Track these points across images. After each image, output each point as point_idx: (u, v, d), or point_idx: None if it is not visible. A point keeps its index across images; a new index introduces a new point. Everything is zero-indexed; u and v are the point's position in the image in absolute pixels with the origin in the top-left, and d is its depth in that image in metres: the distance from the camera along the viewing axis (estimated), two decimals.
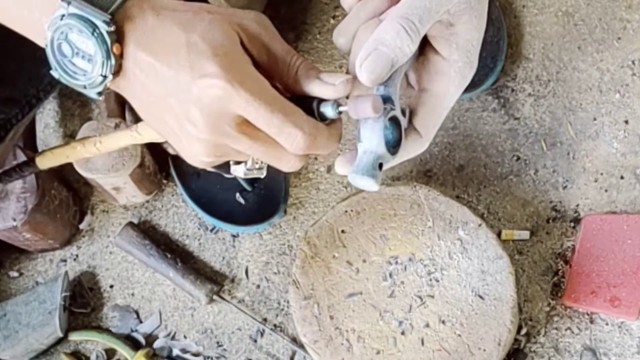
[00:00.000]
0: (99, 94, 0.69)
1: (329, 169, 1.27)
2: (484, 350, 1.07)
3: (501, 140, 1.25)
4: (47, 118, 1.33)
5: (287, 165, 0.71)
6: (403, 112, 0.76)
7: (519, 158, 1.24)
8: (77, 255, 1.26)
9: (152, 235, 1.25)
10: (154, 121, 0.72)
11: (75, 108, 1.33)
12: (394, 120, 0.74)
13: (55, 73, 0.69)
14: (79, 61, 0.68)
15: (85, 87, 0.68)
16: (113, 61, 0.66)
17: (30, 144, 1.26)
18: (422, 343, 1.09)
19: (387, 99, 0.72)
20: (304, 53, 1.33)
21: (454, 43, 0.72)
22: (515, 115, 1.26)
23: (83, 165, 1.15)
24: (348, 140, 1.21)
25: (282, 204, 1.23)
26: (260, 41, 0.70)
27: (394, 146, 0.75)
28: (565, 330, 1.15)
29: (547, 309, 1.17)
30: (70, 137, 1.31)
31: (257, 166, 0.75)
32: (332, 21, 1.34)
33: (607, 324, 1.15)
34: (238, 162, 0.76)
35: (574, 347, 1.14)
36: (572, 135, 1.24)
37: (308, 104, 0.71)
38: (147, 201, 1.27)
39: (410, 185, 1.16)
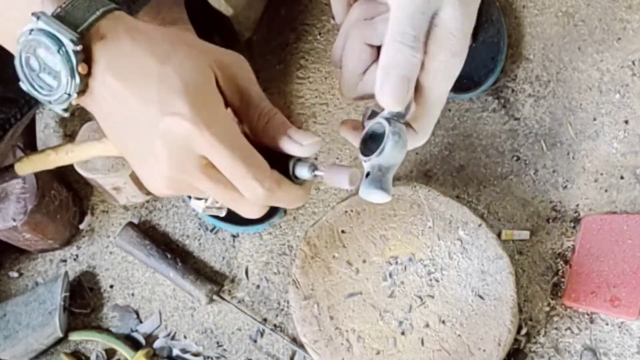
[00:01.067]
0: (65, 110, 0.68)
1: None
2: (484, 350, 1.07)
3: (501, 140, 1.26)
4: (47, 118, 1.33)
5: (245, 211, 0.70)
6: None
7: (519, 158, 1.24)
8: (77, 255, 1.26)
9: (152, 235, 1.25)
10: (119, 144, 0.71)
11: (75, 109, 1.33)
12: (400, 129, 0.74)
13: (23, 85, 0.68)
14: (46, 77, 0.67)
15: (50, 102, 0.68)
16: (78, 80, 0.65)
17: (30, 144, 1.26)
18: (422, 343, 1.09)
19: (401, 115, 0.72)
20: (304, 54, 1.33)
21: (433, 36, 0.71)
22: (516, 116, 1.26)
23: (83, 165, 1.15)
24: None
25: None
26: (235, 83, 0.69)
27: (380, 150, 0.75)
28: (565, 330, 1.15)
29: (547, 309, 1.17)
30: (70, 137, 1.31)
31: (217, 205, 0.74)
32: (332, 22, 1.34)
33: (607, 324, 1.15)
34: (199, 198, 0.75)
35: (574, 347, 1.14)
36: (572, 135, 1.24)
37: (283, 160, 0.70)
38: (147, 201, 1.27)
39: (410, 185, 1.16)
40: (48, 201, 1.17)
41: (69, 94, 0.66)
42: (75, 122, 1.32)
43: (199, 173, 0.66)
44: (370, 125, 0.73)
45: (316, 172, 0.70)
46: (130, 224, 1.24)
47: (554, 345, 1.15)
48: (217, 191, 0.68)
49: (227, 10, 1.12)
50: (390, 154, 0.71)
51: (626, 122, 1.24)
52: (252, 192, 0.67)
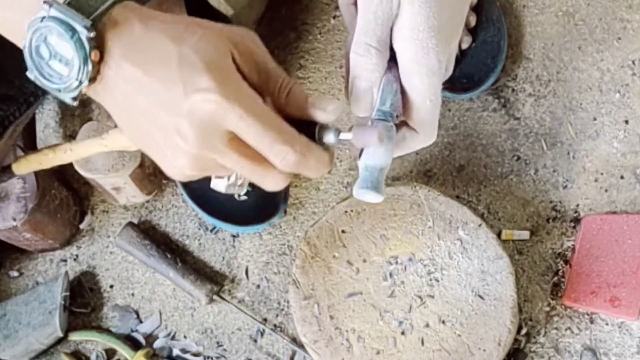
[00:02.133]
0: (74, 99, 0.68)
1: (329, 169, 1.27)
2: (484, 350, 1.07)
3: (501, 140, 1.25)
4: (47, 118, 1.33)
5: (270, 183, 0.70)
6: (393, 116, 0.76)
7: (519, 158, 1.24)
8: (77, 255, 1.26)
9: (152, 235, 1.25)
10: (134, 131, 0.71)
11: (76, 108, 1.33)
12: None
13: (31, 75, 0.68)
14: (56, 64, 0.67)
15: (60, 91, 0.68)
16: (90, 67, 0.65)
17: (30, 144, 1.26)
18: (422, 343, 1.09)
19: (391, 115, 0.73)
20: (305, 53, 1.33)
21: (399, 37, 0.73)
22: (516, 115, 1.26)
23: (83, 165, 1.15)
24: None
25: (282, 204, 1.23)
26: (252, 59, 0.69)
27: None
28: (565, 330, 1.15)
29: (547, 309, 1.17)
30: (70, 137, 1.31)
31: (239, 182, 0.75)
32: (332, 21, 1.34)
33: (607, 324, 1.15)
34: (219, 177, 0.75)
35: (574, 347, 1.14)
36: (572, 135, 1.24)
37: (308, 129, 0.70)
38: (147, 201, 1.28)
39: (410, 185, 1.16)
40: (48, 201, 1.17)
41: (81, 82, 0.66)
42: (75, 122, 1.32)
43: (226, 148, 0.67)
44: (358, 126, 0.74)
45: (342, 136, 0.71)
46: (130, 224, 1.24)
47: (554, 345, 1.15)
48: (244, 165, 0.68)
49: (227, 10, 1.12)
50: (374, 154, 0.72)
51: (626, 122, 1.24)
52: (283, 158, 0.67)
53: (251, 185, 1.23)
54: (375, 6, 0.72)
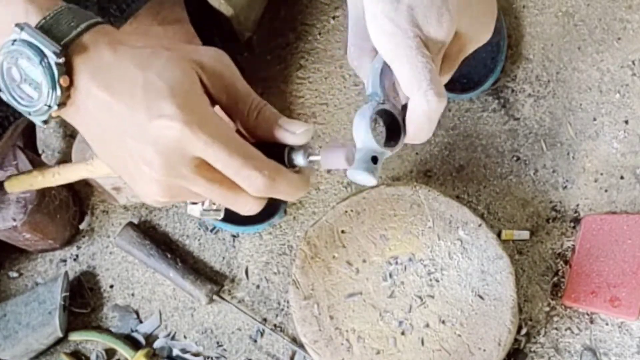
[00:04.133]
0: (44, 122, 0.68)
1: (329, 169, 1.27)
2: (484, 350, 1.07)
3: (501, 140, 1.26)
4: None
5: (244, 208, 0.70)
6: (402, 107, 0.76)
7: (519, 158, 1.24)
8: (77, 255, 1.26)
9: (152, 235, 1.25)
10: (107, 156, 0.70)
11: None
12: (386, 113, 0.74)
13: (3, 95, 0.68)
14: (27, 88, 0.67)
15: (29, 114, 0.68)
16: (59, 92, 0.65)
17: (30, 144, 1.26)
18: (422, 343, 1.09)
19: (373, 94, 0.73)
20: (305, 54, 1.33)
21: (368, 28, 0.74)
22: (515, 116, 1.26)
23: None
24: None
25: (282, 204, 1.23)
26: (220, 81, 0.69)
27: (391, 138, 0.75)
28: (565, 330, 1.15)
29: (547, 309, 1.17)
30: (70, 137, 1.31)
31: (214, 207, 0.74)
32: (332, 22, 1.34)
33: (607, 324, 1.15)
34: (194, 202, 0.75)
35: (574, 347, 1.14)
36: (572, 135, 1.24)
37: (278, 151, 0.70)
38: None
39: (410, 185, 1.16)
40: (48, 201, 1.17)
41: (49, 106, 0.66)
42: None
43: (194, 175, 0.66)
44: (325, 148, 0.74)
45: (311, 157, 0.70)
46: (130, 224, 1.24)
47: (554, 345, 1.15)
48: (213, 191, 0.68)
49: (227, 10, 1.12)
50: (358, 134, 0.72)
51: (626, 122, 1.24)
52: (252, 183, 0.67)
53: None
54: (351, 9, 0.76)
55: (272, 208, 1.23)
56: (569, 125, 1.25)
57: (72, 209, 1.25)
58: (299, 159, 0.70)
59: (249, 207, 0.70)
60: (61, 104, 0.66)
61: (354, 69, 0.77)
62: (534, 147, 1.24)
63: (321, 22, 1.35)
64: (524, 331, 1.15)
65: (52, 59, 0.64)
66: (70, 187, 1.27)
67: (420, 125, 0.75)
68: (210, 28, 1.17)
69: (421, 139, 0.77)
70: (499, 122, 1.26)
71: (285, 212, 1.25)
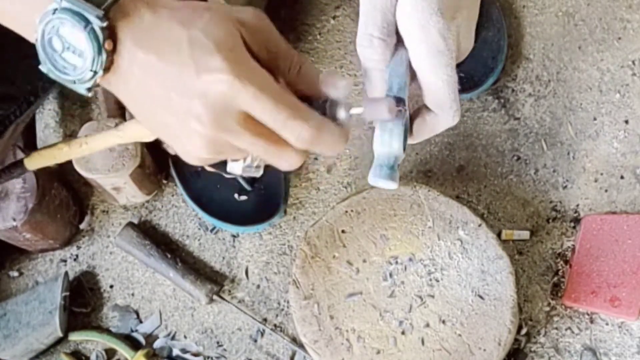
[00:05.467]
0: (88, 89, 0.68)
1: (329, 169, 1.27)
2: (484, 350, 1.07)
3: (501, 140, 1.26)
4: (47, 118, 1.33)
5: (286, 162, 0.70)
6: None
7: (519, 158, 1.24)
8: (77, 255, 1.26)
9: (152, 235, 1.25)
10: (149, 118, 0.71)
11: (76, 108, 1.33)
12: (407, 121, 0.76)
13: (44, 67, 0.68)
14: (70, 56, 0.67)
15: (74, 82, 0.68)
16: (104, 57, 0.66)
17: (30, 144, 1.26)
18: (422, 343, 1.09)
19: (399, 101, 0.73)
20: (305, 54, 1.33)
21: (400, 18, 0.74)
22: (516, 115, 1.26)
23: (83, 165, 1.15)
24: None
25: (282, 204, 1.23)
26: (261, 38, 0.70)
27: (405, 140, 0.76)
28: (565, 330, 1.15)
29: (547, 309, 1.17)
30: (70, 137, 1.31)
31: (255, 164, 0.75)
32: (332, 22, 1.35)
33: (607, 324, 1.15)
34: (235, 160, 0.75)
35: (574, 347, 1.14)
36: (572, 135, 1.24)
37: (320, 106, 0.71)
38: (147, 201, 1.27)
39: (410, 185, 1.16)
40: (48, 201, 1.17)
41: (95, 71, 0.67)
42: (75, 122, 1.32)
43: (241, 128, 0.67)
44: (368, 99, 0.75)
45: (352, 111, 0.71)
46: (130, 224, 1.24)
47: (554, 345, 1.15)
48: (258, 145, 0.68)
49: None
50: (389, 141, 0.74)
51: (626, 122, 1.24)
52: (299, 134, 0.67)
53: (250, 185, 1.24)
54: None
55: (272, 208, 1.23)
56: (569, 125, 1.25)
57: (72, 208, 1.25)
58: (341, 113, 0.71)
59: (291, 162, 0.71)
60: (105, 69, 0.67)
61: (365, 59, 0.78)
62: (534, 147, 1.25)
63: (321, 22, 1.35)
64: (524, 331, 1.15)
65: (97, 23, 0.65)
66: (70, 187, 1.27)
67: (432, 134, 0.79)
68: None
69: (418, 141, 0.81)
70: (499, 121, 1.26)
71: (285, 212, 1.25)
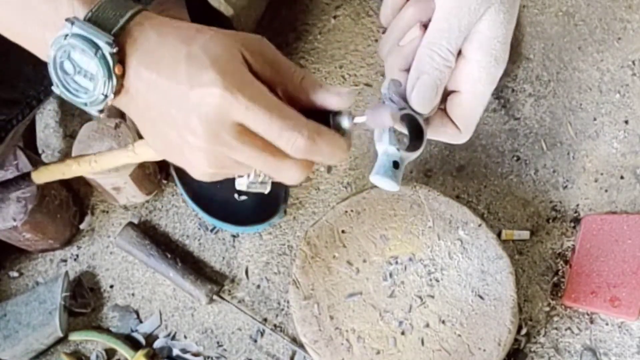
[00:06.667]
0: (100, 111, 0.70)
1: (329, 169, 1.27)
2: (484, 350, 1.07)
3: (501, 140, 1.26)
4: (47, 118, 1.33)
5: (287, 175, 0.70)
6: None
7: (519, 158, 1.24)
8: (77, 255, 1.26)
9: (152, 235, 1.25)
10: (155, 136, 0.72)
11: (76, 108, 1.33)
12: (409, 118, 0.75)
13: (56, 89, 0.69)
14: (81, 79, 0.68)
15: (86, 105, 0.69)
16: (115, 81, 0.67)
17: (30, 144, 1.26)
18: (422, 343, 1.09)
19: (402, 108, 0.74)
20: (305, 54, 1.33)
21: (476, 42, 0.74)
22: (516, 116, 1.26)
23: None
24: None
25: (282, 204, 1.23)
26: (263, 56, 0.70)
27: (412, 143, 0.76)
28: (565, 330, 1.15)
29: (547, 309, 1.17)
30: (70, 137, 1.31)
31: (259, 180, 0.75)
32: (332, 21, 1.35)
33: (607, 324, 1.15)
34: (241, 176, 0.76)
35: (574, 347, 1.14)
36: (572, 135, 1.24)
37: (323, 117, 0.71)
38: (147, 201, 1.28)
39: (410, 185, 1.16)
40: (48, 201, 1.17)
41: (106, 95, 0.68)
42: (75, 122, 1.32)
43: (236, 141, 0.67)
44: (370, 108, 0.75)
45: (356, 119, 0.71)
46: (130, 224, 1.24)
47: (554, 345, 1.15)
48: (256, 157, 0.69)
49: (227, 10, 1.12)
50: (380, 139, 0.74)
51: (626, 122, 1.24)
52: (293, 144, 0.67)
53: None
54: (464, 15, 0.73)
55: (272, 208, 1.23)
56: (569, 125, 1.25)
57: (72, 208, 1.25)
58: (345, 122, 0.71)
59: (292, 174, 0.71)
60: (116, 93, 0.68)
61: (429, 65, 0.77)
62: (534, 147, 1.25)
63: (321, 22, 1.35)
64: (524, 331, 1.15)
65: (107, 49, 0.66)
66: (70, 187, 1.27)
67: (438, 139, 0.80)
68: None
69: None
70: (499, 121, 1.27)
71: (285, 212, 1.25)
